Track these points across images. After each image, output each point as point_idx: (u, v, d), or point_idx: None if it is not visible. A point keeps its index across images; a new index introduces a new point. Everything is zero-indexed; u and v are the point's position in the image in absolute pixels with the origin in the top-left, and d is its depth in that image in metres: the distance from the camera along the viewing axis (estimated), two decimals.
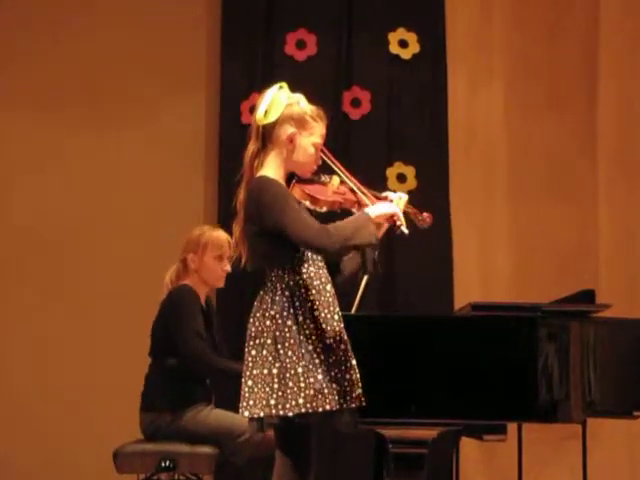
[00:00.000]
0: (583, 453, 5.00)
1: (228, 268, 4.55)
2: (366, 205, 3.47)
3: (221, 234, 4.58)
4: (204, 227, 4.67)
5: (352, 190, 3.51)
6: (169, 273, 4.58)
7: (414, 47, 5.83)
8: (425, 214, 3.66)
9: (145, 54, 5.81)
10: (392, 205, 3.44)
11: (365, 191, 3.52)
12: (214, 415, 4.44)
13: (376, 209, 3.40)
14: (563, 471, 5.59)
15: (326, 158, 3.50)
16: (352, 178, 3.51)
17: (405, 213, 3.54)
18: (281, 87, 3.46)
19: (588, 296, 3.76)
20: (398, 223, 3.40)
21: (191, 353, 4.37)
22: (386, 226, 3.50)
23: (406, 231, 3.41)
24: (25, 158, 5.82)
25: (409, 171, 5.79)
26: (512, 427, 4.68)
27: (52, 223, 5.75)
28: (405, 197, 3.57)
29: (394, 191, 3.61)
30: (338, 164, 3.51)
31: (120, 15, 5.85)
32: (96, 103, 5.81)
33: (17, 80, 5.82)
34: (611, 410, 3.75)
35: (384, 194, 3.59)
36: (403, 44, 5.83)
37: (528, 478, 5.33)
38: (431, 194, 5.69)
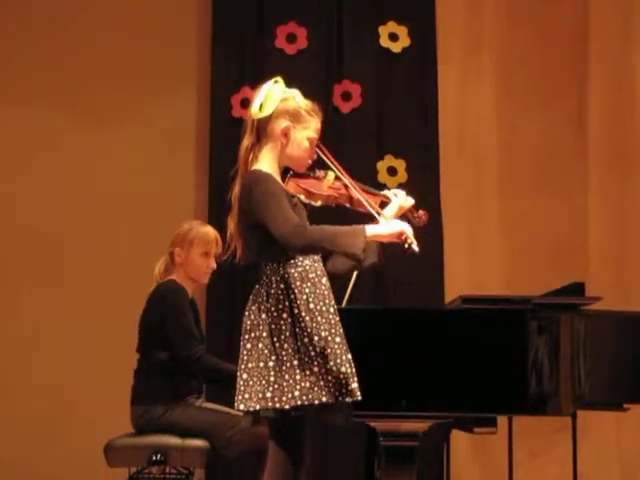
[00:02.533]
0: (573, 445, 5.02)
1: (213, 265, 4.55)
2: (358, 201, 3.48)
3: (209, 231, 4.57)
4: (193, 222, 4.67)
5: (346, 186, 3.51)
6: (158, 265, 4.59)
7: (404, 40, 5.83)
8: (421, 212, 3.65)
9: (135, 48, 5.80)
10: (400, 224, 3.40)
11: (360, 189, 3.52)
12: (205, 409, 4.44)
13: (378, 228, 3.37)
14: (553, 463, 5.60)
15: (322, 154, 3.51)
16: (347, 175, 3.51)
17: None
18: (276, 81, 3.47)
19: (578, 289, 3.76)
20: (409, 241, 3.35)
21: (186, 355, 4.35)
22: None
23: (417, 249, 3.35)
24: (18, 154, 5.81)
25: (399, 164, 5.79)
26: (502, 420, 4.70)
27: (43, 218, 5.75)
28: (411, 202, 3.61)
29: (388, 188, 3.61)
30: (334, 161, 3.51)
31: (110, 9, 5.84)
32: (87, 98, 5.80)
33: (12, 77, 5.81)
34: (601, 402, 3.76)
35: (391, 191, 3.60)
36: (393, 37, 5.83)
37: (518, 470, 5.34)
38: (422, 187, 5.67)
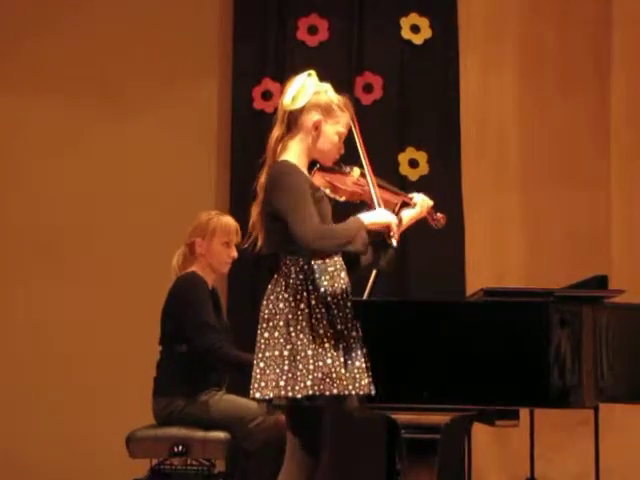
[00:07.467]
0: (595, 439, 5.00)
1: (234, 254, 4.57)
2: (373, 204, 3.48)
3: (230, 220, 4.59)
4: (212, 212, 4.68)
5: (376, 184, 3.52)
6: (176, 257, 4.61)
7: (426, 32, 5.82)
8: (439, 215, 3.67)
9: (157, 39, 5.81)
10: (389, 215, 3.44)
11: (377, 189, 3.52)
12: (226, 400, 4.45)
13: (372, 216, 3.41)
14: (575, 456, 5.58)
15: (357, 140, 3.50)
16: (371, 173, 3.51)
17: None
18: (310, 75, 3.50)
19: (601, 281, 3.75)
20: (391, 234, 3.41)
21: (205, 347, 4.37)
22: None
23: (395, 244, 3.41)
24: (38, 143, 5.83)
25: (421, 156, 5.78)
26: (524, 412, 4.69)
27: (62, 208, 5.77)
28: (430, 203, 3.65)
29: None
30: (364, 151, 3.52)
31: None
32: (108, 90, 5.82)
33: (29, 65, 5.84)
34: (623, 396, 3.75)
35: (410, 195, 3.62)
36: (415, 29, 5.82)
37: (540, 463, 5.33)
38: (443, 180, 5.69)
